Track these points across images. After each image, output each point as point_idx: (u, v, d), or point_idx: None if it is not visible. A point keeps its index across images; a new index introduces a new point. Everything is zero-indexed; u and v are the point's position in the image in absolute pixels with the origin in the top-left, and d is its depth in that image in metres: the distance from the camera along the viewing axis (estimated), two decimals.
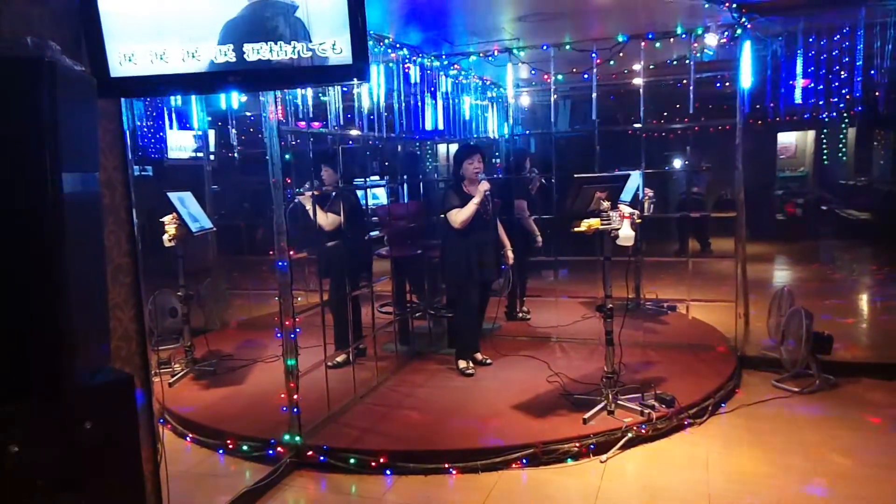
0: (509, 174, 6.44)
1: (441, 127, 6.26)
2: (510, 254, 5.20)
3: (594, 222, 3.91)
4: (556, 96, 6.00)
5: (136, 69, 2.25)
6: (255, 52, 2.25)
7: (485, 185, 4.71)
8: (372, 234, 5.31)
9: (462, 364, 4.96)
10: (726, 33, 5.14)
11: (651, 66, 5.75)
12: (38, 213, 1.47)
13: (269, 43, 2.24)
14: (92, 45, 2.22)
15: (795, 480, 3.40)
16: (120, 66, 2.24)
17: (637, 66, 5.67)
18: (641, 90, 5.56)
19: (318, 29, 2.24)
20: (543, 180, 6.43)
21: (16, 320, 1.48)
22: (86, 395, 1.63)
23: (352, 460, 3.65)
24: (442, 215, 4.90)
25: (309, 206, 4.44)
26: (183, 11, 2.24)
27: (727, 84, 6.02)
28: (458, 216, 4.70)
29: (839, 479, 3.37)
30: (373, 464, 3.62)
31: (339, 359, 4.89)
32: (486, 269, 4.91)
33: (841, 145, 12.84)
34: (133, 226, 2.54)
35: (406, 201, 6.12)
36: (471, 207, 4.68)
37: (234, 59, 2.25)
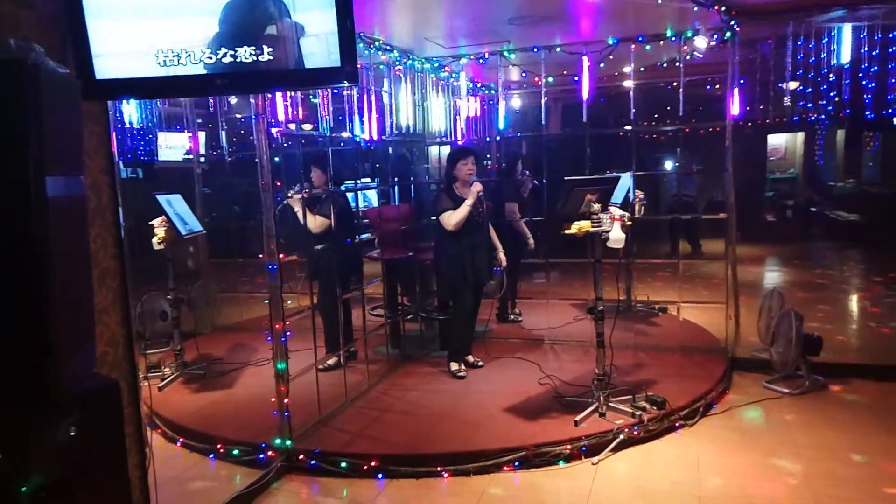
0: (501, 177, 6.43)
1: (432, 129, 6.24)
2: (502, 256, 5.20)
3: (584, 225, 3.91)
4: (546, 98, 6.00)
5: (121, 71, 2.23)
6: (244, 54, 2.23)
7: (477, 186, 4.71)
8: (363, 236, 5.29)
9: (454, 366, 4.95)
10: (716, 36, 5.16)
11: (641, 69, 5.76)
12: (22, 216, 1.45)
13: (258, 46, 2.23)
14: (77, 48, 2.19)
15: (786, 481, 3.41)
16: (106, 68, 2.21)
17: (627, 69, 5.68)
18: (632, 92, 5.57)
19: (301, 8, 2.24)
20: (535, 181, 6.43)
21: None
22: (71, 401, 1.60)
23: (343, 464, 3.63)
24: (434, 218, 4.89)
25: (297, 209, 4.42)
26: None
27: (717, 86, 6.03)
28: (452, 218, 4.69)
29: (829, 480, 3.39)
30: (364, 467, 3.60)
31: (330, 362, 4.86)
32: (479, 272, 4.91)
33: (830, 147, 12.93)
34: (120, 228, 2.52)
35: (397, 204, 6.11)
36: (465, 209, 4.67)
37: (222, 62, 2.24)
